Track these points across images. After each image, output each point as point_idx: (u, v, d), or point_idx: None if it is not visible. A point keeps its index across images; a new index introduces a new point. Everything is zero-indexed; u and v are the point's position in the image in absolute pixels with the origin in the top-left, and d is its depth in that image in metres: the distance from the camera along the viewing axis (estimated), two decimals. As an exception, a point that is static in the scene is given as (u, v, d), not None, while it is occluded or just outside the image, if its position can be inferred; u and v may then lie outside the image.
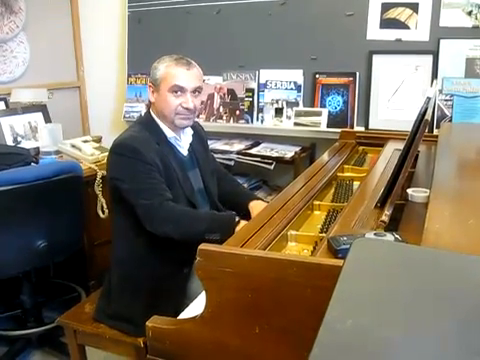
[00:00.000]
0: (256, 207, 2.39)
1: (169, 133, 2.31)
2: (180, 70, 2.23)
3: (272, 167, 3.30)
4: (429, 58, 3.08)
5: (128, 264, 2.28)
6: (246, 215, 2.33)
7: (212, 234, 2.07)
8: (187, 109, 2.26)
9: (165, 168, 2.21)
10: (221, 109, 3.66)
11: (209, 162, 2.54)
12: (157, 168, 2.17)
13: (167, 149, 2.28)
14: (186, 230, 2.13)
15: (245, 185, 3.37)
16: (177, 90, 2.23)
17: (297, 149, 3.46)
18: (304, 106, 3.45)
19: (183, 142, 2.38)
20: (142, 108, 3.96)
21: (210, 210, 2.39)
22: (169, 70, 2.23)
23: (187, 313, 1.65)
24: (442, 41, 3.03)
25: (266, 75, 3.55)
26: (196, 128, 2.48)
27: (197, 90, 2.30)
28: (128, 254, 2.29)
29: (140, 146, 2.16)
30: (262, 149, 3.51)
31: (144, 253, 2.24)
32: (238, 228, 2.07)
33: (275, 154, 3.39)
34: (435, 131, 3.01)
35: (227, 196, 2.56)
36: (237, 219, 2.14)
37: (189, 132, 2.41)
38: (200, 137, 2.52)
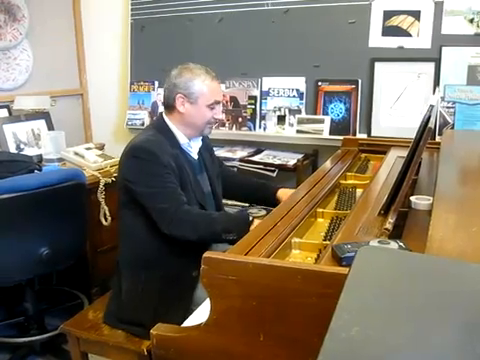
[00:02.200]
0: (285, 194, 2.49)
1: (182, 139, 2.37)
2: (215, 85, 2.36)
3: (275, 174, 3.31)
4: (431, 65, 3.09)
5: (137, 267, 2.30)
6: (275, 205, 2.33)
7: (229, 234, 2.14)
8: (217, 119, 2.42)
9: (179, 171, 2.26)
10: (224, 116, 3.67)
11: (215, 167, 2.60)
12: (172, 171, 2.22)
13: (180, 153, 2.33)
14: (204, 232, 2.18)
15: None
16: (215, 105, 2.35)
17: (299, 156, 3.47)
18: (306, 113, 3.46)
19: (194, 147, 2.44)
20: (145, 115, 3.96)
21: (221, 212, 2.47)
22: (207, 85, 2.33)
23: (192, 320, 1.65)
24: (444, 48, 3.04)
25: (269, 83, 3.56)
26: None
27: None
28: (137, 257, 2.32)
29: (157, 149, 2.21)
30: (265, 156, 3.51)
31: (153, 256, 2.28)
32: (252, 227, 2.13)
33: (278, 161, 3.39)
34: (437, 138, 3.01)
35: (249, 191, 2.67)
36: (251, 218, 2.21)
37: (199, 137, 2.47)
38: (206, 143, 2.57)
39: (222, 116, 2.45)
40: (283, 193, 2.54)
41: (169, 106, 2.37)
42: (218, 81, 2.38)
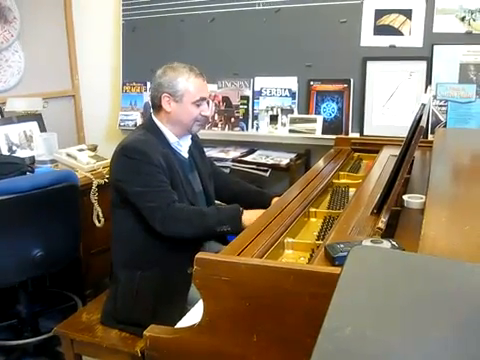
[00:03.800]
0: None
1: (172, 138, 2.38)
2: (199, 82, 2.35)
3: (268, 174, 3.31)
4: (423, 64, 3.09)
5: (130, 267, 2.30)
6: None
7: (223, 226, 2.17)
8: (205, 116, 2.39)
9: (169, 170, 2.27)
10: (216, 117, 3.67)
11: (206, 166, 2.60)
12: (163, 170, 2.23)
13: (170, 152, 2.34)
14: (198, 227, 2.20)
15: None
16: (201, 102, 2.35)
17: (292, 156, 3.47)
18: (299, 113, 3.46)
19: (184, 146, 2.44)
20: (137, 116, 3.96)
21: (211, 206, 2.46)
22: (191, 82, 2.33)
23: (185, 321, 1.65)
24: (436, 47, 3.05)
25: (261, 82, 3.56)
26: None
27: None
28: (130, 257, 2.32)
29: (147, 149, 2.22)
30: (257, 156, 3.51)
31: (146, 255, 2.28)
32: (243, 217, 2.18)
33: (270, 161, 3.39)
34: (430, 137, 3.02)
35: (243, 195, 2.63)
36: (241, 209, 2.22)
37: (188, 136, 2.46)
38: (196, 142, 2.58)
39: (210, 113, 2.43)
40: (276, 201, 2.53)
41: (156, 106, 2.39)
42: (203, 78, 2.37)
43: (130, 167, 2.22)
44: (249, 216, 2.16)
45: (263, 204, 2.46)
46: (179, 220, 2.18)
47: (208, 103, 2.42)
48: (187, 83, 2.31)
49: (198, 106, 2.34)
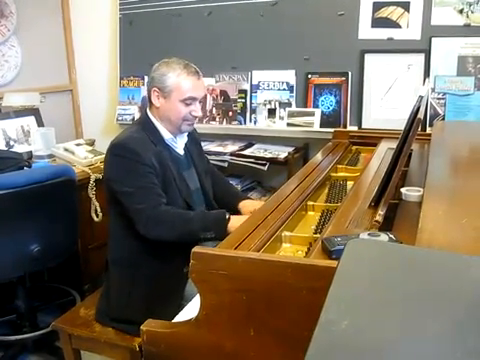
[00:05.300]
0: (246, 206, 2.47)
1: (166, 135, 2.33)
2: (192, 80, 2.27)
3: (266, 168, 3.30)
4: (421, 57, 3.09)
5: (126, 265, 2.28)
6: (236, 214, 2.37)
7: (206, 233, 2.12)
8: (195, 117, 2.32)
9: (162, 169, 2.23)
10: (214, 111, 3.66)
11: (203, 162, 2.57)
12: (154, 170, 2.19)
13: (164, 149, 2.30)
14: (180, 232, 2.15)
15: (239, 186, 3.40)
16: (191, 101, 2.28)
17: (290, 149, 3.46)
18: (297, 106, 3.45)
19: (179, 143, 2.40)
20: (135, 111, 3.94)
21: (205, 209, 2.42)
22: (181, 80, 2.25)
23: (182, 316, 1.64)
24: (434, 39, 3.04)
25: (258, 76, 3.54)
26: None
27: (203, 98, 2.39)
28: (126, 255, 2.30)
29: (139, 148, 2.18)
30: (255, 150, 3.50)
31: (142, 253, 2.25)
32: (229, 224, 2.13)
33: (268, 155, 3.38)
34: (428, 129, 3.02)
35: (218, 197, 2.58)
36: (227, 216, 2.18)
37: (185, 133, 2.42)
38: (194, 138, 2.54)
39: (200, 114, 2.36)
40: (243, 205, 2.51)
41: (149, 100, 2.35)
42: (197, 77, 2.30)
43: (120, 166, 2.19)
44: (235, 222, 2.10)
45: (232, 205, 2.49)
46: (162, 223, 2.14)
47: (201, 102, 2.37)
48: (177, 79, 2.24)
49: (187, 105, 2.27)
